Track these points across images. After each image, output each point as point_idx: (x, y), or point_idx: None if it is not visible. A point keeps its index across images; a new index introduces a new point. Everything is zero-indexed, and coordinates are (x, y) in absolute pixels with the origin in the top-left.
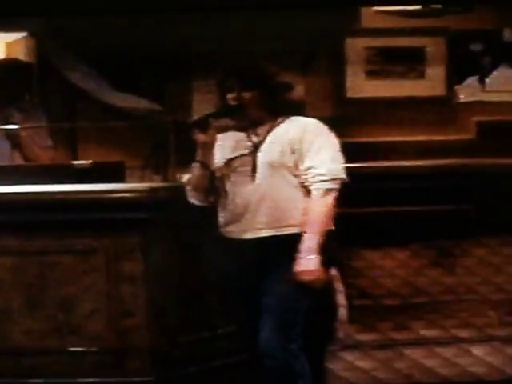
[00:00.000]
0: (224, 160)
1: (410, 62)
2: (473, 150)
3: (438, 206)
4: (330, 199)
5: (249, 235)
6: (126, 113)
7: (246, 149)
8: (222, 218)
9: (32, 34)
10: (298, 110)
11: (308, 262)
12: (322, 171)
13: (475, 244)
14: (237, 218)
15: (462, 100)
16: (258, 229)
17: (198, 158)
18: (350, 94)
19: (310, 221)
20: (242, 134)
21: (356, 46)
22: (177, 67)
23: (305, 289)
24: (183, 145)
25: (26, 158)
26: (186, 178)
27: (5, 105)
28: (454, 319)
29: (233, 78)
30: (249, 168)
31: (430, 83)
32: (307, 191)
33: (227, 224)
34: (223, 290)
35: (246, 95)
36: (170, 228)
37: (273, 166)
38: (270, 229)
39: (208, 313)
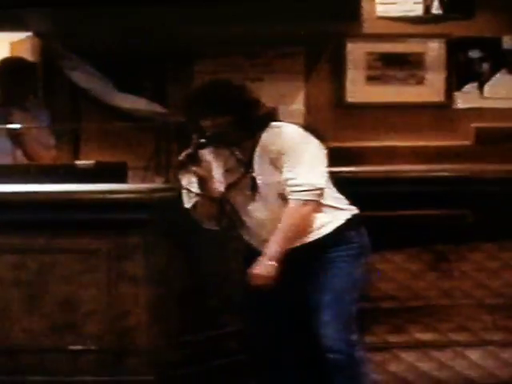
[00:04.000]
0: (223, 186)
1: (409, 68)
2: (471, 155)
3: (436, 211)
4: (306, 210)
5: None
6: (128, 114)
7: (236, 168)
8: (244, 235)
9: (37, 34)
10: (273, 118)
11: (265, 267)
12: (298, 182)
13: (472, 249)
14: (255, 235)
15: (460, 106)
16: None
17: (199, 192)
18: (349, 98)
19: (280, 228)
20: (226, 152)
21: (357, 51)
22: (179, 68)
23: (354, 281)
24: (185, 146)
25: (28, 157)
26: (189, 205)
27: (5, 104)
28: (449, 323)
29: (202, 106)
30: (248, 187)
31: (429, 89)
32: None
33: (251, 240)
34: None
35: (220, 120)
36: (172, 228)
37: (268, 184)
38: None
39: (208, 313)
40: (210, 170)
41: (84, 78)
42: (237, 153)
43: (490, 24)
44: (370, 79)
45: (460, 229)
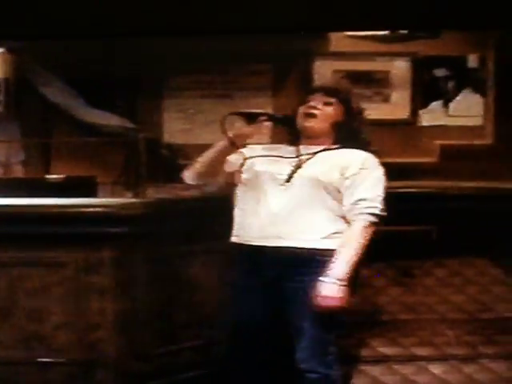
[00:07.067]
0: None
1: (376, 86)
2: (435, 172)
3: (401, 227)
4: (370, 232)
5: (268, 242)
6: (99, 129)
7: (290, 158)
8: (240, 218)
9: (9, 50)
10: (361, 147)
11: (334, 288)
12: (375, 205)
13: (436, 264)
14: (259, 222)
15: (425, 124)
16: (279, 237)
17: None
18: None
19: (347, 249)
20: (291, 148)
21: (324, 68)
22: (149, 86)
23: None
24: (154, 162)
25: None
26: (202, 158)
27: None
28: (413, 337)
29: (321, 92)
30: (284, 176)
31: (394, 107)
32: (337, 215)
33: (245, 227)
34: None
35: (322, 108)
36: (140, 243)
37: (310, 181)
38: (292, 240)
39: (176, 326)
40: (247, 136)
41: (55, 93)
42: (302, 149)
43: (456, 43)
44: None
45: (424, 245)
